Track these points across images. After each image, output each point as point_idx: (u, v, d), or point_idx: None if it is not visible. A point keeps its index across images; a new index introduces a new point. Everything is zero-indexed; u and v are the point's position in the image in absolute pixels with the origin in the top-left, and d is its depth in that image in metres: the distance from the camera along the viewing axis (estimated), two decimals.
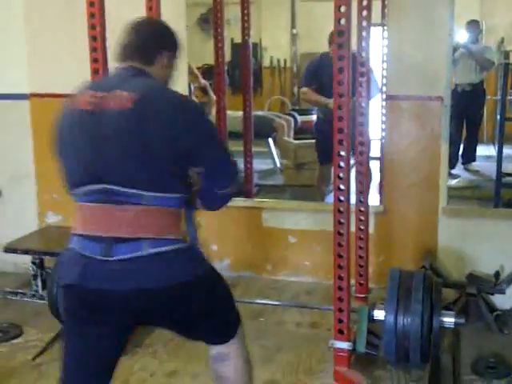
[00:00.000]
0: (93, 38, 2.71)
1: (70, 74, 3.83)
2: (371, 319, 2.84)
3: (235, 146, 3.93)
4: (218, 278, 2.03)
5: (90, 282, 1.81)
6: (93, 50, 2.73)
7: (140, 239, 1.80)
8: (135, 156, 1.79)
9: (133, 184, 1.79)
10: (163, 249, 1.81)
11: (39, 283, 3.65)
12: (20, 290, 3.72)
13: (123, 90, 1.82)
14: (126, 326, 1.95)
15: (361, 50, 3.19)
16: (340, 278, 2.63)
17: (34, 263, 3.65)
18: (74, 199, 1.90)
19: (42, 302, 3.46)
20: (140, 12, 3.14)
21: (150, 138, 1.77)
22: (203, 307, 1.95)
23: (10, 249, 3.69)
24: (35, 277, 3.66)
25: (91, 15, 2.69)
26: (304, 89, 4.70)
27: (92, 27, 2.70)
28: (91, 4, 2.68)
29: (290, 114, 6.21)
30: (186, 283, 1.85)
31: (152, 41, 2.00)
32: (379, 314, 2.79)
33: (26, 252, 3.68)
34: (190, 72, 4.19)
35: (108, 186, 1.79)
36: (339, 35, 2.42)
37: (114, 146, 1.80)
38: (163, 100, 1.85)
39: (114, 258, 1.79)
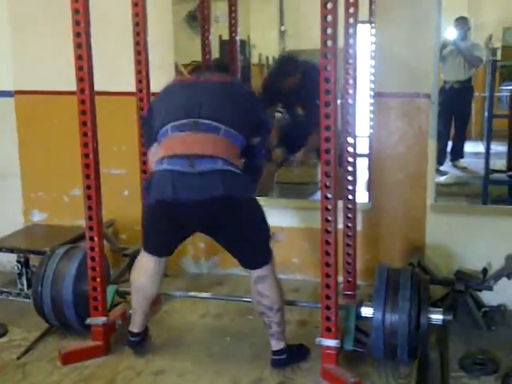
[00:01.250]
0: (77, 35, 2.68)
1: (55, 71, 3.84)
2: (359, 316, 2.84)
3: None
4: (260, 206, 2.72)
5: (179, 193, 2.49)
6: (77, 46, 2.70)
7: (217, 157, 2.52)
8: (220, 103, 2.65)
9: (215, 118, 2.57)
10: (230, 168, 2.53)
11: (24, 282, 3.63)
12: (5, 289, 3.69)
13: (216, 75, 2.90)
14: (194, 228, 2.74)
15: (348, 47, 3.18)
16: (328, 275, 2.62)
17: (19, 262, 3.62)
18: (164, 134, 2.62)
19: (27, 300, 3.43)
20: (125, 7, 3.13)
21: (232, 99, 2.69)
22: (250, 223, 2.67)
23: None
24: (20, 275, 3.63)
25: (75, 11, 2.66)
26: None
27: (76, 23, 2.67)
28: (75, 0, 2.65)
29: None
30: (243, 199, 2.58)
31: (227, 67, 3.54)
32: (367, 312, 2.80)
33: (10, 250, 3.66)
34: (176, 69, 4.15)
35: (198, 120, 2.57)
36: (325, 32, 2.41)
37: (207, 96, 2.65)
38: (240, 85, 3.16)
39: (197, 169, 2.48)
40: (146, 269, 2.82)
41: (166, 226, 2.69)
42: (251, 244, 2.73)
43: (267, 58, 7.04)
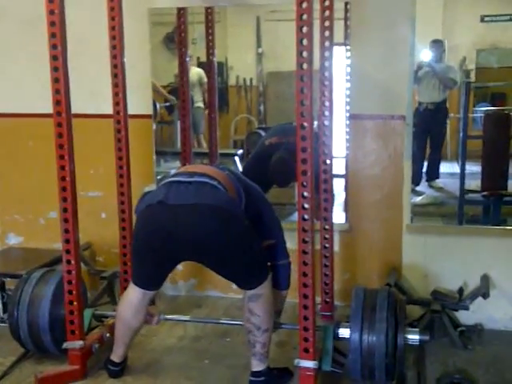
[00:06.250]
0: (54, 58, 2.69)
1: (32, 93, 3.83)
2: (336, 337, 2.84)
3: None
4: (253, 231, 2.70)
5: (169, 197, 2.56)
6: (54, 69, 2.70)
7: (214, 179, 2.63)
8: None
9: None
10: (224, 190, 2.62)
11: (0, 306, 3.57)
12: None
13: None
14: (181, 249, 2.61)
15: (324, 70, 3.22)
16: (305, 296, 2.62)
17: None
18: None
19: (3, 325, 3.38)
20: (102, 30, 3.14)
21: None
22: (242, 242, 2.62)
23: None
24: None
25: (52, 35, 2.67)
26: None
27: (53, 47, 2.68)
28: (52, 24, 2.66)
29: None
30: (234, 213, 2.59)
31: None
32: (344, 332, 2.80)
33: None
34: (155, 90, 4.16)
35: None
36: (301, 55, 2.44)
37: None
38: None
39: (193, 179, 2.62)
40: (131, 301, 2.82)
41: (153, 246, 2.60)
42: (245, 265, 2.66)
43: (244, 80, 7.09)
